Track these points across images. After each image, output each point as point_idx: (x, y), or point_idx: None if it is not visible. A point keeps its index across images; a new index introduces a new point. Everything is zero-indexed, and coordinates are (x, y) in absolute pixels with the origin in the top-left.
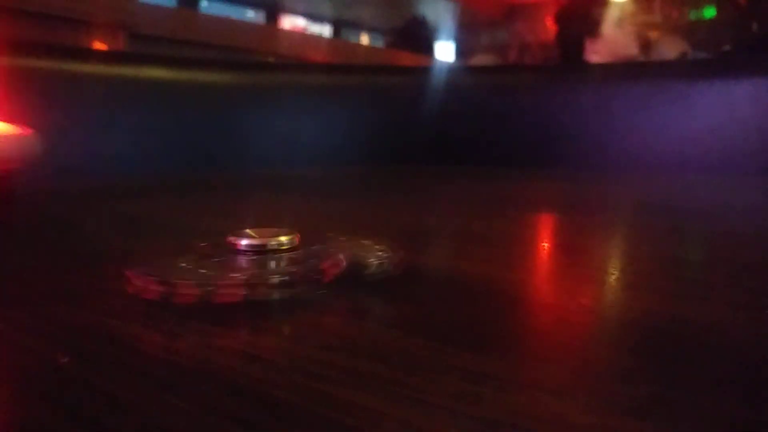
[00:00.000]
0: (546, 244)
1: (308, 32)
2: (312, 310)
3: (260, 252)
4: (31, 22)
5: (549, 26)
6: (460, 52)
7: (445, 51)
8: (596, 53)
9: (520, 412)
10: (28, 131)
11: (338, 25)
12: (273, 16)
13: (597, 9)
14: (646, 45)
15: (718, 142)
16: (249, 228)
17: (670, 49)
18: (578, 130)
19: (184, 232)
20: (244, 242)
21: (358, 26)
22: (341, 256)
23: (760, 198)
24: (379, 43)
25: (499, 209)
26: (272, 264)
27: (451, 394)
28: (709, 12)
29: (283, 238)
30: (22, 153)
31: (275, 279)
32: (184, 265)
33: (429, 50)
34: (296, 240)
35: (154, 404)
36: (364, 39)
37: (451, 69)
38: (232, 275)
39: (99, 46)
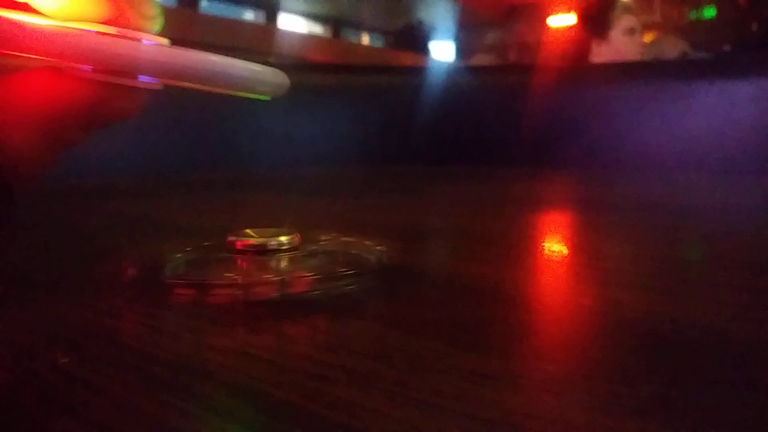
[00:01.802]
0: (546, 244)
1: (308, 32)
2: (312, 310)
3: (260, 252)
4: None
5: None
6: (460, 52)
7: (445, 51)
8: (601, 55)
9: (520, 412)
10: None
11: (338, 25)
12: (273, 16)
13: (610, 10)
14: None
15: (718, 142)
16: (249, 228)
17: (670, 49)
18: (578, 130)
19: (185, 232)
20: (245, 242)
21: (358, 26)
22: (341, 256)
23: (760, 198)
24: (379, 43)
25: (499, 209)
26: (272, 264)
27: (451, 394)
28: (709, 12)
29: (284, 238)
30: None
31: (311, 276)
32: (192, 266)
33: (429, 51)
34: (296, 240)
35: (154, 404)
36: (364, 39)
37: (451, 69)
38: (266, 276)
39: None
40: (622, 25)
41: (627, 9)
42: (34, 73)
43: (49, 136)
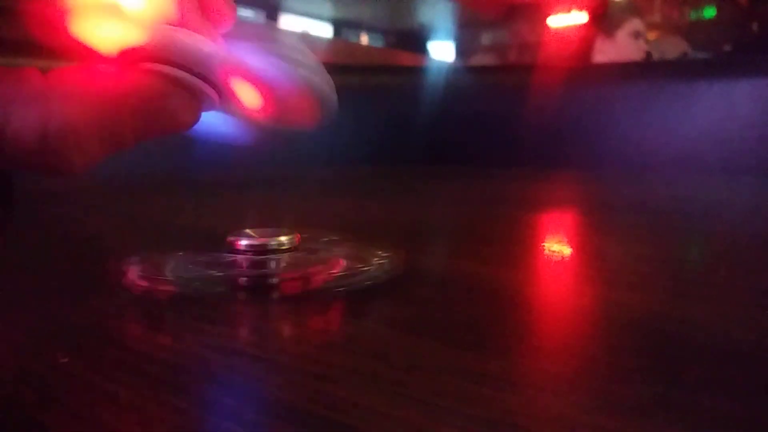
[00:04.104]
0: (546, 244)
1: (308, 32)
2: (312, 310)
3: (260, 252)
4: None
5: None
6: (460, 52)
7: (445, 51)
8: (603, 53)
9: (520, 412)
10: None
11: (338, 25)
12: (273, 16)
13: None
14: (649, 48)
15: (718, 142)
16: (249, 228)
17: (670, 49)
18: (578, 130)
19: (185, 232)
20: (245, 242)
21: (358, 26)
22: (342, 257)
23: (760, 198)
24: (379, 43)
25: (500, 209)
26: (272, 264)
27: (451, 394)
28: (709, 12)
29: (284, 238)
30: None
31: (311, 277)
32: (192, 266)
33: (429, 51)
34: (296, 240)
35: (154, 404)
36: (364, 39)
37: (451, 69)
38: (265, 276)
39: None
40: (627, 27)
41: (633, 12)
42: (95, 64)
43: (104, 131)
